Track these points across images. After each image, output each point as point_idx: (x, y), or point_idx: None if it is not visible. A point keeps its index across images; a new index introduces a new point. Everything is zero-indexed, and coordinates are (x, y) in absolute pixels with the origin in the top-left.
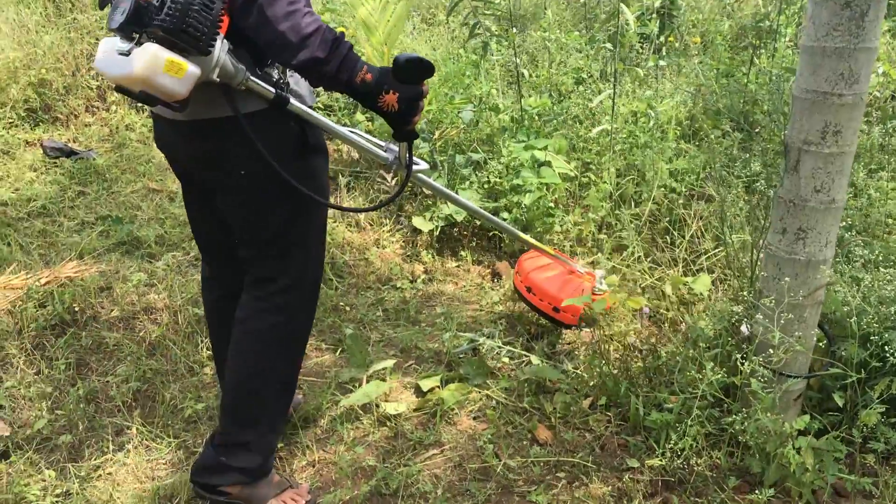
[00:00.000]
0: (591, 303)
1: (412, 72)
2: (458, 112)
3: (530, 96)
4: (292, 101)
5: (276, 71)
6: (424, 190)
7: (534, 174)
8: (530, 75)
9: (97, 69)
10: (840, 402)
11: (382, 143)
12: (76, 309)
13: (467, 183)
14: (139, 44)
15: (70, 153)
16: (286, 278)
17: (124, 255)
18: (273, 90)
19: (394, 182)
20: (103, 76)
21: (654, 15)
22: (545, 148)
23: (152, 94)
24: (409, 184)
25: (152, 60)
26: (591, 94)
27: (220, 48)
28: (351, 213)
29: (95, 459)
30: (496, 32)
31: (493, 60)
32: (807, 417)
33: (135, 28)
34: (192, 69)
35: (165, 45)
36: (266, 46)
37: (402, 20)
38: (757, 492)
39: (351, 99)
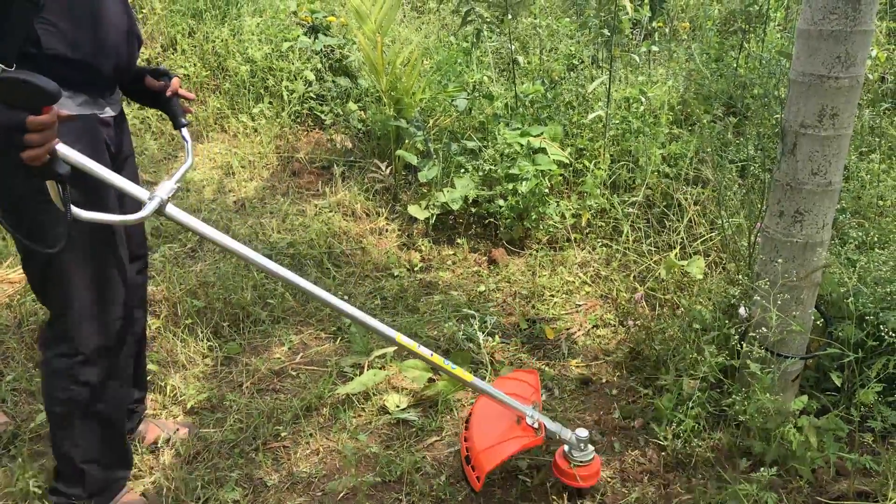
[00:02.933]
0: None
1: (8, 93)
2: (452, 100)
3: (522, 83)
4: None
5: None
6: (419, 178)
7: (529, 162)
8: (525, 62)
9: None
10: (837, 382)
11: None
12: None
13: (462, 171)
14: None
15: None
16: (69, 343)
17: None
18: None
19: (388, 171)
20: None
21: (646, 0)
22: (541, 135)
23: None
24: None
25: None
26: (583, 80)
27: None
28: (346, 203)
29: None
30: (488, 19)
31: (485, 48)
32: (805, 397)
33: None
34: None
35: None
36: None
37: (393, 8)
38: (762, 469)
39: (343, 87)
